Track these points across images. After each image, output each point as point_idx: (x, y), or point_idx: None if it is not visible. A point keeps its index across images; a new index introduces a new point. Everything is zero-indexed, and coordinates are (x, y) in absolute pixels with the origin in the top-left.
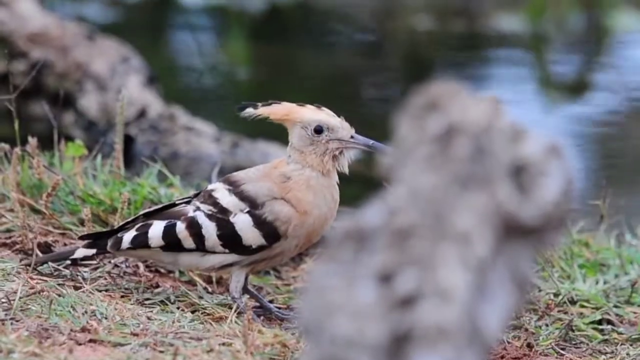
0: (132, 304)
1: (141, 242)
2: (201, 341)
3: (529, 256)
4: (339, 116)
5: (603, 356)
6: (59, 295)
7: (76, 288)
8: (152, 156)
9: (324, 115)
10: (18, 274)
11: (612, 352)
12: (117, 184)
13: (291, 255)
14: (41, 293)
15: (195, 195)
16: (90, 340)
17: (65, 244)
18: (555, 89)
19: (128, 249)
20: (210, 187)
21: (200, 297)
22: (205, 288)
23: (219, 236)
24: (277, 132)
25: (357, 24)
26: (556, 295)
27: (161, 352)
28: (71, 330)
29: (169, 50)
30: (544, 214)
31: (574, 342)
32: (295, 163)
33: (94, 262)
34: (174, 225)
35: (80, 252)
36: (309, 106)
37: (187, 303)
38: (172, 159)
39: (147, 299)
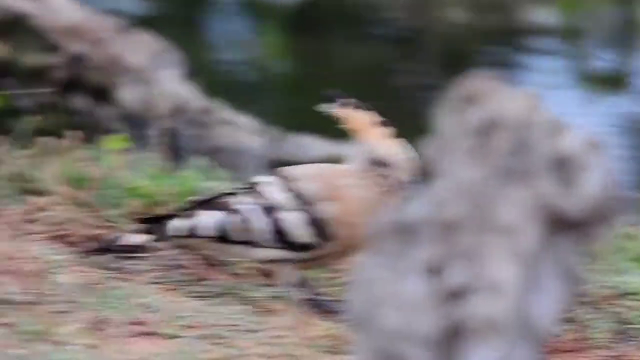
0: (185, 297)
1: (191, 231)
2: (255, 334)
3: (578, 249)
4: (413, 149)
5: None
6: (113, 288)
7: (127, 281)
8: (194, 149)
9: (387, 150)
10: (72, 266)
11: None
12: (161, 177)
13: (337, 259)
14: (95, 285)
15: (247, 188)
16: (145, 333)
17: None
18: (591, 82)
19: (178, 236)
20: (263, 180)
21: (254, 290)
22: (258, 281)
23: (268, 231)
24: (317, 125)
25: (393, 17)
26: (610, 288)
27: (215, 344)
28: (126, 322)
29: (205, 44)
30: (588, 207)
31: (628, 336)
32: (354, 173)
33: (146, 254)
34: (224, 216)
35: (131, 238)
36: (381, 130)
37: (241, 296)
38: (213, 152)
39: (200, 292)
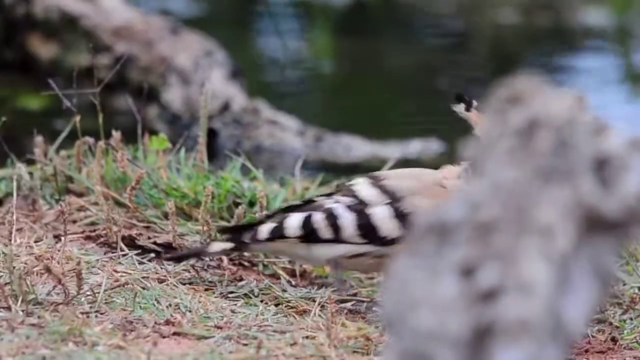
0: (215, 297)
1: (278, 232)
2: (285, 334)
3: (613, 250)
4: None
5: None
6: (143, 288)
7: (160, 281)
8: (236, 149)
9: None
10: (103, 267)
11: None
12: (201, 178)
13: None
14: (125, 286)
15: (338, 191)
16: (174, 333)
17: (149, 237)
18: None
19: (266, 239)
20: (351, 181)
21: (284, 290)
22: (289, 281)
23: (357, 226)
24: (360, 126)
25: (442, 18)
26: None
27: (245, 345)
28: (155, 323)
29: (254, 44)
30: (627, 208)
31: None
32: (450, 173)
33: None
34: (312, 215)
35: (217, 247)
36: None
37: (271, 296)
38: (255, 153)
39: (231, 292)
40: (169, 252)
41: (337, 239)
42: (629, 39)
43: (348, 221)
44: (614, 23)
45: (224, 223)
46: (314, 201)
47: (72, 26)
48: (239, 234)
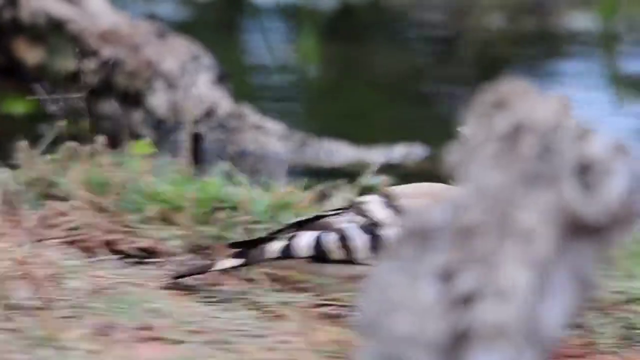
0: (194, 302)
1: (289, 252)
2: (261, 339)
3: (593, 255)
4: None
5: None
6: (123, 293)
7: (140, 286)
8: (221, 154)
9: None
10: (83, 272)
11: None
12: (184, 183)
13: None
14: (105, 291)
15: (348, 207)
16: (151, 338)
17: (130, 242)
18: (625, 87)
19: (276, 258)
20: (364, 199)
21: (262, 295)
22: (269, 287)
23: (370, 248)
24: (346, 131)
25: (429, 23)
26: (619, 294)
27: (220, 349)
28: (133, 327)
29: (240, 49)
30: (609, 213)
31: (635, 341)
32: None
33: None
34: (325, 236)
35: (226, 263)
36: None
37: (249, 301)
38: (239, 157)
39: (210, 297)
40: (176, 271)
41: (350, 260)
42: (615, 43)
43: (361, 243)
44: (601, 27)
45: (207, 228)
46: (324, 216)
47: (58, 30)
48: (248, 250)
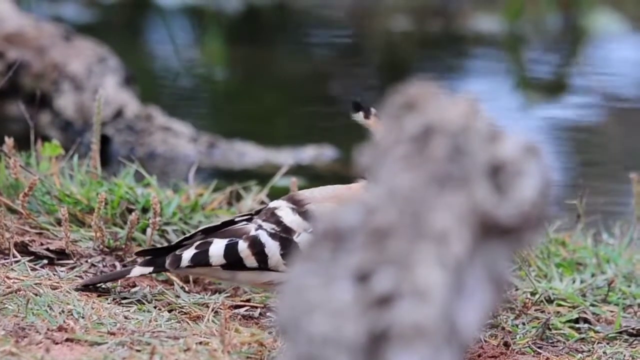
0: (109, 303)
1: (201, 260)
2: (178, 340)
3: (507, 255)
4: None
5: (580, 355)
6: (36, 295)
7: (53, 287)
8: (129, 156)
9: None
10: None
11: (589, 350)
12: (94, 184)
13: None
14: (18, 292)
15: (256, 213)
16: (67, 340)
17: (41, 244)
18: (532, 89)
19: (187, 267)
20: (272, 205)
21: (178, 296)
22: (182, 287)
23: (282, 255)
24: (253, 132)
25: (334, 25)
26: (533, 294)
27: (138, 351)
28: (48, 329)
29: (146, 51)
30: (521, 214)
31: (550, 341)
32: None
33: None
34: (236, 244)
35: (137, 271)
36: None
37: (164, 302)
38: (148, 159)
39: (124, 298)
40: (89, 279)
41: (263, 267)
42: (520, 45)
43: (273, 250)
44: (506, 29)
45: (117, 229)
46: (234, 222)
47: None
48: (159, 258)
